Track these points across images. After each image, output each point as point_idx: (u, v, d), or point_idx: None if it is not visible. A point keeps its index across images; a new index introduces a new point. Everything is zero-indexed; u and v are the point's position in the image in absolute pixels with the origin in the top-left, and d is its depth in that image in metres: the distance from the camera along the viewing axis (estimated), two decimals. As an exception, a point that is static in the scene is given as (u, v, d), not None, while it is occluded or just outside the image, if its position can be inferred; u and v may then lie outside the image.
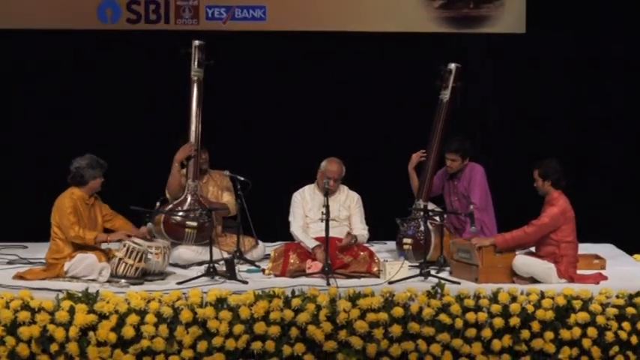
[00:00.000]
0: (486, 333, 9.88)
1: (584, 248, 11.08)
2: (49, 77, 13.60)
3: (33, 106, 13.59)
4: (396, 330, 9.80)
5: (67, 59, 13.62)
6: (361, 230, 11.31)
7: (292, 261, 10.90)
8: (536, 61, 13.76)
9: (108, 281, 10.42)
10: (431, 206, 11.59)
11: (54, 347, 9.67)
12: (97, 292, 9.88)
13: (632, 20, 13.80)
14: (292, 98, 13.60)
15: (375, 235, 11.59)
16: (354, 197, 11.44)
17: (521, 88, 13.76)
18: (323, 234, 10.72)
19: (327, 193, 11.03)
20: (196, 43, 11.62)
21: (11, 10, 13.59)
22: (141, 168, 12.17)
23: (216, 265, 10.66)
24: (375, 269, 10.87)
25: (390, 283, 10.41)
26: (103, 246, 10.74)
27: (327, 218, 10.70)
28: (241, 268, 10.94)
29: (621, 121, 13.81)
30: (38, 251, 11.28)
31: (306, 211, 11.30)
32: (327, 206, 10.74)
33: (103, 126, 13.23)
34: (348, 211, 11.35)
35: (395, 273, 10.66)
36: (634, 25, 13.79)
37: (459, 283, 10.42)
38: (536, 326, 9.91)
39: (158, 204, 11.34)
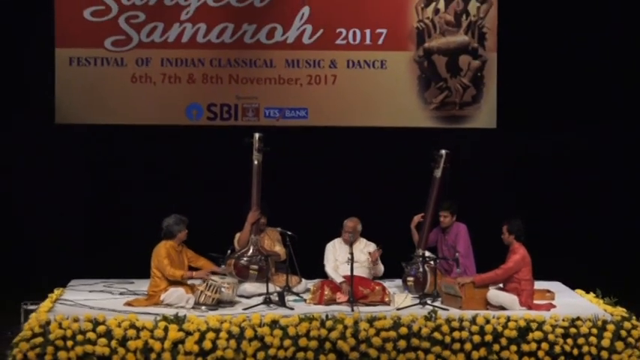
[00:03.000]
0: (467, 346, 9.94)
1: (539, 284, 11.08)
2: (150, 158, 13.63)
3: (136, 178, 13.63)
4: (402, 344, 9.87)
5: (162, 144, 13.63)
6: (379, 267, 11.36)
7: (326, 293, 10.89)
8: (503, 148, 13.78)
9: (192, 308, 10.44)
10: (427, 254, 11.56)
11: (153, 356, 9.75)
12: (185, 315, 9.99)
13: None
14: (326, 174, 13.60)
15: (387, 275, 11.54)
16: (372, 245, 11.43)
17: (493, 168, 13.75)
18: (349, 273, 10.75)
19: (352, 244, 11.15)
20: (257, 134, 11.62)
21: (117, 108, 13.61)
22: (216, 225, 12.11)
23: (271, 296, 10.69)
24: (387, 299, 10.89)
25: (398, 309, 10.43)
26: (189, 282, 10.79)
27: (351, 262, 10.75)
28: (289, 298, 10.95)
29: (572, 196, 13.87)
30: (142, 286, 11.32)
31: (336, 256, 11.30)
32: (351, 253, 10.80)
33: (191, 193, 13.26)
34: (367, 255, 11.32)
35: (401, 302, 10.73)
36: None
37: (447, 309, 10.43)
38: (504, 341, 9.96)
39: (229, 252, 11.38)
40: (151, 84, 13.65)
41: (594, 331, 10.08)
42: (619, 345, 10.04)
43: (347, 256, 10.88)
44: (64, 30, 13.53)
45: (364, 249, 11.40)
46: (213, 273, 10.88)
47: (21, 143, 13.57)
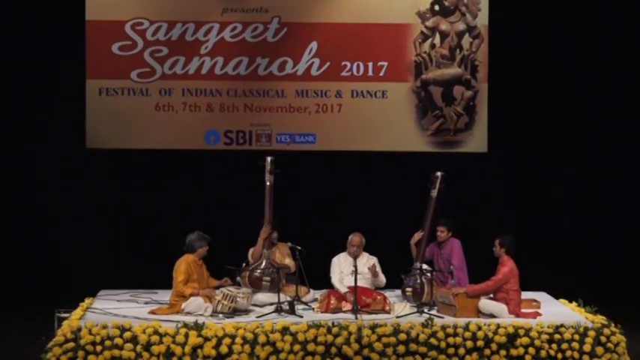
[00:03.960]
0: (461, 351, 9.96)
1: (526, 294, 11.05)
2: (171, 179, 13.72)
3: (159, 198, 13.66)
4: (401, 349, 9.90)
5: (183, 167, 13.73)
6: (382, 278, 11.37)
7: (332, 302, 10.89)
8: (494, 170, 13.83)
9: (210, 315, 10.47)
10: (424, 267, 11.56)
11: (174, 359, 9.77)
12: (203, 322, 10.02)
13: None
14: (333, 194, 13.63)
15: (387, 285, 11.51)
16: (374, 258, 11.45)
17: (484, 189, 13.81)
18: (353, 284, 10.79)
19: (356, 257, 11.17)
20: (269, 158, 11.64)
21: (142, 134, 13.68)
22: (232, 240, 12.03)
23: (282, 305, 10.71)
24: (388, 308, 10.89)
25: (398, 317, 10.46)
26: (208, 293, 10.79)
27: (355, 274, 10.79)
28: (298, 307, 10.93)
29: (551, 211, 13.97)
30: (164, 296, 11.30)
31: (341, 268, 11.32)
32: (355, 266, 10.84)
33: (209, 211, 13.29)
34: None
35: (401, 311, 10.76)
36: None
37: (443, 317, 10.46)
38: (494, 346, 9.98)
39: (244, 265, 11.43)
40: (173, 112, 13.71)
41: (577, 337, 10.10)
42: (599, 350, 10.07)
43: (351, 269, 10.90)
44: (94, 63, 13.61)
45: (367, 262, 11.40)
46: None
47: (55, 166, 13.66)
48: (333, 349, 9.89)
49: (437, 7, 13.79)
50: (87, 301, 11.18)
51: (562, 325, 10.17)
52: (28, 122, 13.66)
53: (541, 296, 11.68)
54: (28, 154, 13.65)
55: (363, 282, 11.17)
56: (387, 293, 11.32)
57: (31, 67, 13.61)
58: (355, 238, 11.41)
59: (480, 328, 10.07)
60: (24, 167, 13.69)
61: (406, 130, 13.80)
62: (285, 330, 9.97)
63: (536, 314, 10.70)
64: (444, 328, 10.06)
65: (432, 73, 13.84)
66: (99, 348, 9.81)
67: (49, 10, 13.51)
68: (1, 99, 13.64)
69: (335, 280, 11.28)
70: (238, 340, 9.88)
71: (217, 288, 10.88)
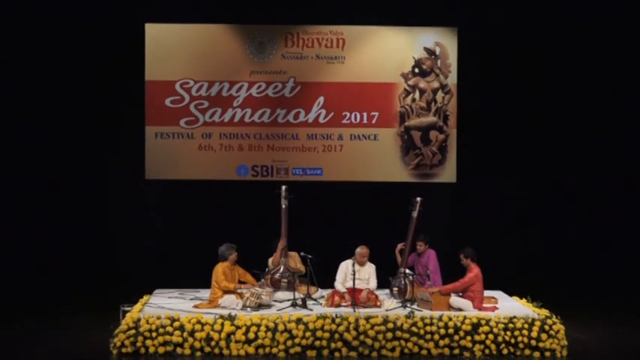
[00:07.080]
0: (436, 337, 9.95)
1: (486, 293, 11.00)
2: (210, 203, 13.66)
3: (201, 217, 13.63)
4: (389, 335, 9.90)
5: (220, 193, 13.65)
6: (374, 283, 11.16)
7: (336, 299, 10.85)
8: (461, 196, 13.80)
9: (241, 309, 10.44)
10: (407, 271, 11.44)
11: (213, 343, 9.80)
12: (235, 314, 10.04)
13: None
14: (336, 214, 13.59)
15: (379, 286, 11.30)
16: (372, 266, 11.29)
17: (453, 210, 13.79)
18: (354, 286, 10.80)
19: (354, 264, 11.02)
20: (283, 187, 11.63)
21: (188, 168, 13.63)
22: (256, 251, 11.86)
23: (296, 301, 10.69)
24: (379, 303, 10.83)
25: (387, 310, 10.43)
26: (238, 291, 10.74)
27: (354, 277, 10.79)
28: (309, 302, 10.86)
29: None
30: (205, 294, 11.25)
31: (347, 272, 11.10)
32: (354, 271, 10.83)
33: (239, 228, 13.03)
34: (368, 274, 11.21)
35: (389, 305, 10.72)
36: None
37: (422, 310, 10.43)
38: (462, 333, 9.98)
39: (266, 269, 11.42)
40: (212, 151, 13.70)
41: (526, 326, 10.08)
42: (544, 336, 10.05)
43: (351, 273, 10.87)
44: (152, 113, 13.65)
45: (368, 269, 11.24)
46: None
47: (122, 192, 13.72)
48: (337, 335, 9.89)
49: (417, 70, 13.83)
50: (145, 297, 11.20)
51: (515, 317, 10.15)
52: (103, 159, 13.73)
53: (499, 294, 11.61)
54: (102, 183, 13.71)
55: (361, 285, 11.05)
56: (378, 292, 11.24)
57: (104, 116, 13.67)
58: (363, 251, 11.22)
59: (450, 319, 10.06)
60: (99, 193, 13.73)
61: (393, 165, 13.79)
62: (299, 320, 9.97)
63: (495, 308, 10.67)
64: (422, 319, 10.05)
65: (413, 121, 13.84)
66: (154, 334, 9.85)
67: (118, 73, 13.58)
68: (81, 143, 13.72)
69: (338, 283, 11.13)
70: (262, 328, 9.88)
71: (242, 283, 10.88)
